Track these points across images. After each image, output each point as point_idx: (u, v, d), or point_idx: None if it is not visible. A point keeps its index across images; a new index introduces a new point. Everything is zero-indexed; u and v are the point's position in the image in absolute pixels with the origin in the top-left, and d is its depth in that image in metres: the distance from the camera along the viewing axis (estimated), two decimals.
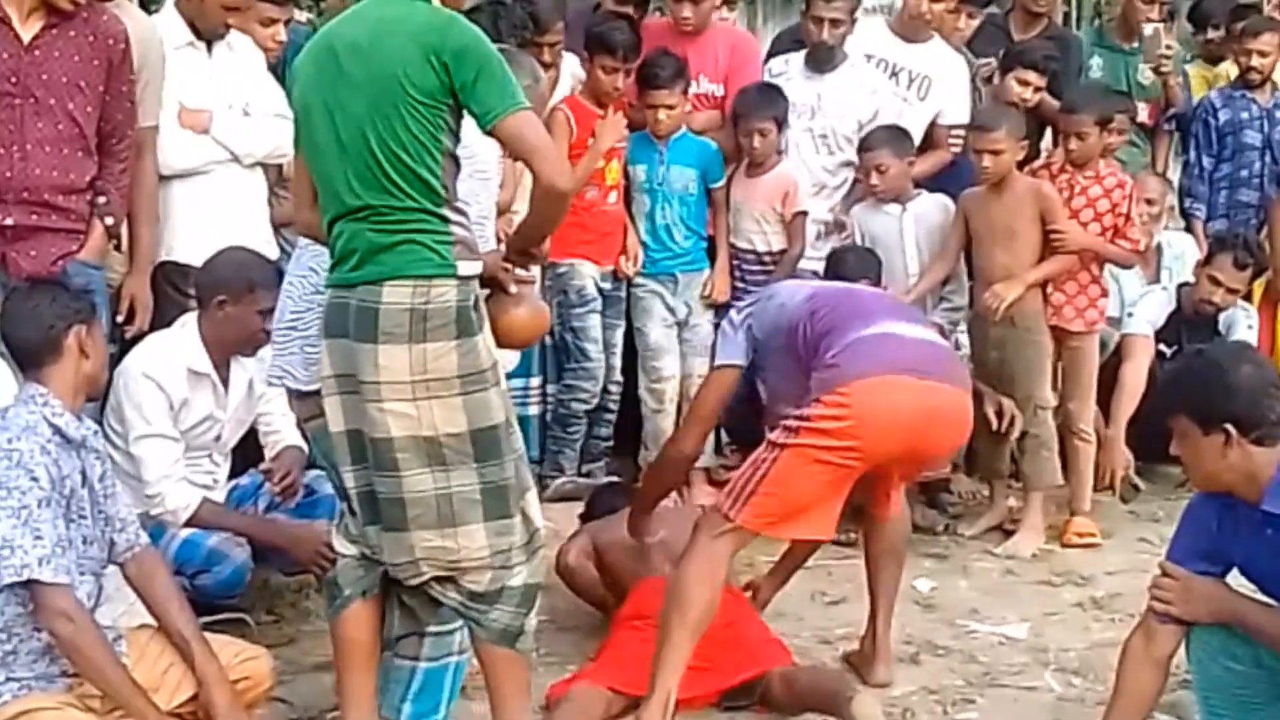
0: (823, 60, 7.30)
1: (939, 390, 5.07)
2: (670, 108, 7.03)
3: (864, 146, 7.15)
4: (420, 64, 4.26)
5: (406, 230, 4.31)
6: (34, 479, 4.25)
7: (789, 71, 7.39)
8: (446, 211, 4.39)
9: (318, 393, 4.55)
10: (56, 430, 4.39)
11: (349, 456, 4.50)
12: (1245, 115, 8.20)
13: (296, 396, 4.84)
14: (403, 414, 4.32)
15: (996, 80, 7.79)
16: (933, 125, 7.51)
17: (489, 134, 4.38)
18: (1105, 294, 7.08)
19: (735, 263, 7.28)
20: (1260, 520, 4.29)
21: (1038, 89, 7.62)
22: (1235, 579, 4.51)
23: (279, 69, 6.55)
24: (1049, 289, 6.94)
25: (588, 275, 7.14)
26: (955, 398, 5.17)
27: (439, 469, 4.37)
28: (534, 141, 4.36)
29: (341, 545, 4.65)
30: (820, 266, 7.11)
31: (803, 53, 7.39)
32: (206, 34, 6.11)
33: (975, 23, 8.17)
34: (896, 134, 7.20)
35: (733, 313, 5.53)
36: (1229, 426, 4.25)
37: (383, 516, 4.46)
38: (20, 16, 5.29)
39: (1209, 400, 4.30)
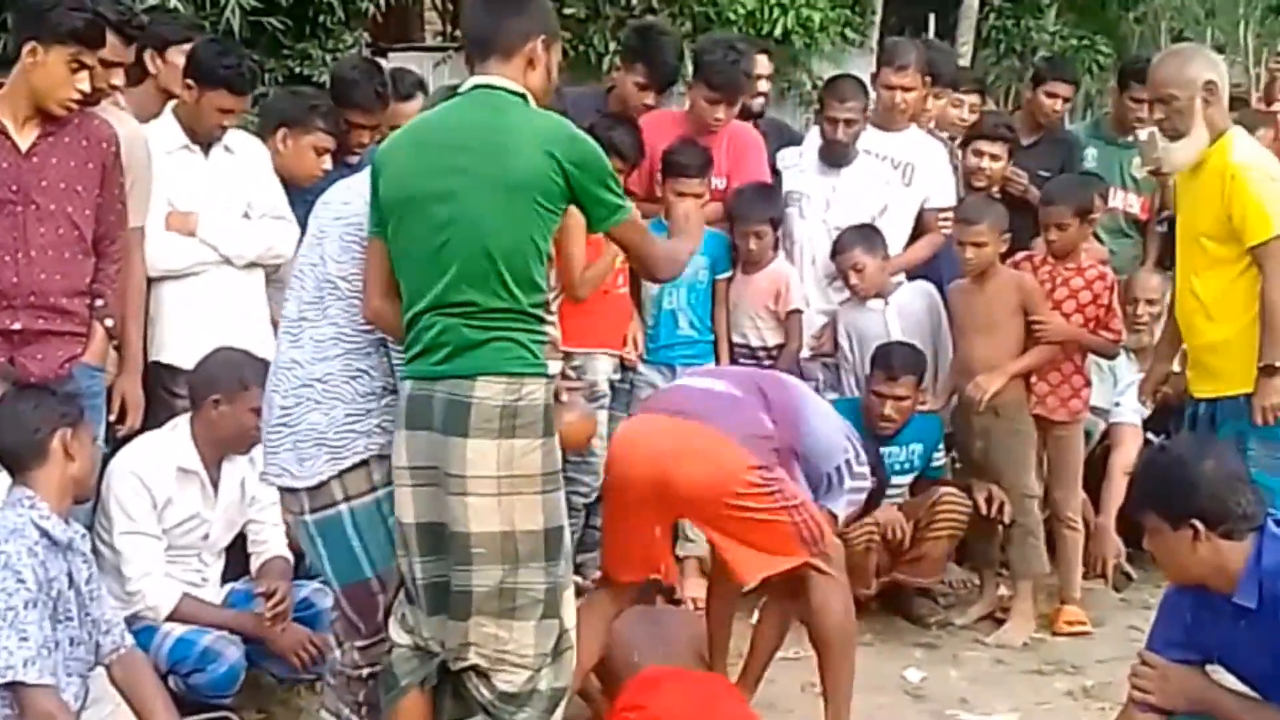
0: (838, 155, 7.43)
1: (680, 425, 5.25)
2: (697, 196, 7.04)
3: (837, 249, 7.24)
4: (546, 172, 4.45)
5: (504, 327, 4.46)
6: (20, 580, 4.33)
7: (802, 164, 7.53)
8: (544, 312, 4.56)
9: (318, 487, 4.68)
10: (44, 533, 4.47)
11: (420, 548, 4.58)
12: None
13: (288, 492, 4.83)
14: (485, 509, 4.43)
15: (960, 158, 7.93)
16: (921, 211, 7.61)
17: (603, 233, 4.72)
18: (1088, 383, 7.12)
19: (732, 357, 7.32)
20: (1233, 612, 4.33)
21: (995, 157, 7.72)
22: (1215, 668, 4.54)
23: None
24: (1033, 379, 6.98)
25: (601, 370, 7.12)
26: (696, 433, 5.23)
27: (509, 564, 4.48)
28: (644, 245, 4.86)
29: (397, 634, 4.72)
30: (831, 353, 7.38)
31: (815, 146, 7.53)
32: (203, 137, 6.19)
33: (941, 103, 8.34)
34: (867, 233, 7.29)
35: None
36: (1195, 522, 4.29)
37: (450, 606, 4.55)
38: (16, 125, 5.38)
39: (1174, 497, 4.35)
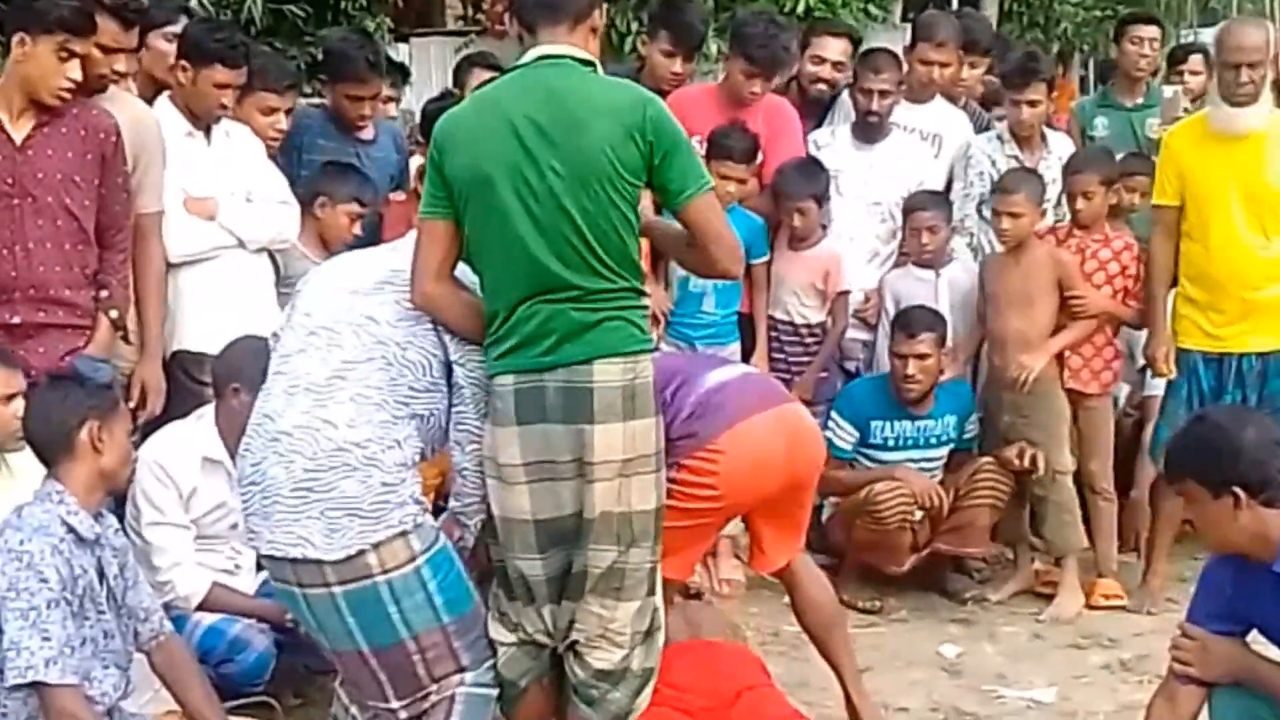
0: (872, 131, 7.40)
1: (787, 410, 5.00)
2: (742, 181, 7.02)
3: (913, 207, 7.21)
4: (626, 143, 4.31)
5: (614, 307, 4.36)
6: (43, 580, 4.29)
7: (835, 142, 7.47)
8: (642, 285, 4.47)
9: (347, 559, 4.36)
10: (70, 529, 4.43)
11: (539, 545, 4.47)
12: None
13: (296, 564, 4.44)
14: (609, 492, 4.37)
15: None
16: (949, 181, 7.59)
17: (676, 212, 4.48)
18: (1119, 355, 7.09)
19: (772, 333, 7.28)
20: (1274, 581, 4.29)
21: (1033, 103, 7.47)
22: (1257, 638, 4.50)
23: (284, 153, 6.68)
24: (1066, 353, 6.94)
25: None
26: (800, 411, 5.12)
27: (624, 545, 4.43)
28: (718, 226, 4.52)
29: (500, 634, 4.60)
30: (868, 335, 7.37)
31: (849, 124, 7.50)
32: (203, 118, 6.17)
33: (978, 72, 8.27)
34: (941, 198, 7.33)
35: None
36: (1237, 490, 4.25)
37: (568, 589, 4.50)
38: (11, 117, 5.35)
39: (1216, 465, 4.31)
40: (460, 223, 4.45)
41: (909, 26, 16.79)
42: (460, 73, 8.20)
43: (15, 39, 5.31)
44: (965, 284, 7.22)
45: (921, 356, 6.74)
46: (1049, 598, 6.90)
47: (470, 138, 4.42)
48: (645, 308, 4.49)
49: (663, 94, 7.00)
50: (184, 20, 6.49)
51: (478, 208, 4.39)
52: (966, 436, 7.05)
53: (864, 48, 7.97)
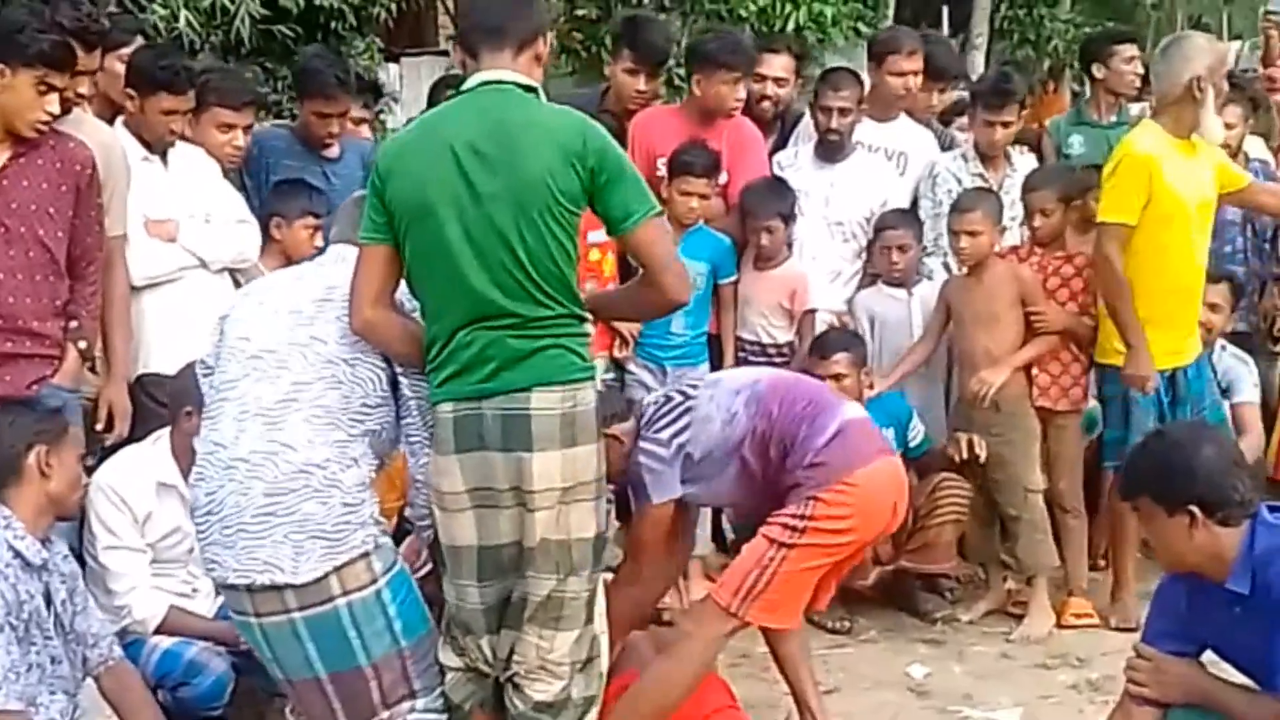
0: (834, 150, 7.38)
1: (895, 461, 5.17)
2: (704, 197, 7.02)
3: (883, 225, 7.21)
4: (564, 169, 4.30)
5: (553, 335, 4.34)
6: None
7: (798, 162, 7.45)
8: (583, 312, 4.45)
9: (311, 583, 4.38)
10: (17, 554, 4.44)
11: (478, 572, 4.47)
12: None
13: (261, 592, 4.45)
14: (548, 520, 4.35)
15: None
16: (915, 200, 7.59)
17: (620, 239, 4.48)
18: (1086, 371, 7.04)
19: (740, 353, 7.24)
20: (1226, 599, 4.28)
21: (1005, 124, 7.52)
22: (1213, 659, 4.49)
23: (243, 173, 6.69)
24: (1034, 371, 6.91)
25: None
26: (902, 468, 5.27)
27: (562, 573, 4.42)
28: (663, 251, 4.51)
29: (448, 658, 4.61)
30: None
31: (811, 143, 7.48)
32: (155, 145, 6.17)
33: (947, 97, 8.29)
34: (911, 216, 7.33)
35: (654, 446, 5.20)
36: (1193, 508, 4.24)
37: (506, 618, 4.50)
38: None
39: (1172, 482, 4.30)
40: (400, 248, 4.44)
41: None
42: (435, 94, 8.21)
43: None
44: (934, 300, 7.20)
45: (837, 377, 6.66)
46: (1021, 617, 6.85)
47: (411, 164, 4.42)
48: (586, 335, 4.48)
49: (629, 113, 7.05)
50: (139, 41, 6.48)
51: (417, 234, 4.39)
52: (914, 444, 7.01)
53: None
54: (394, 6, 14.27)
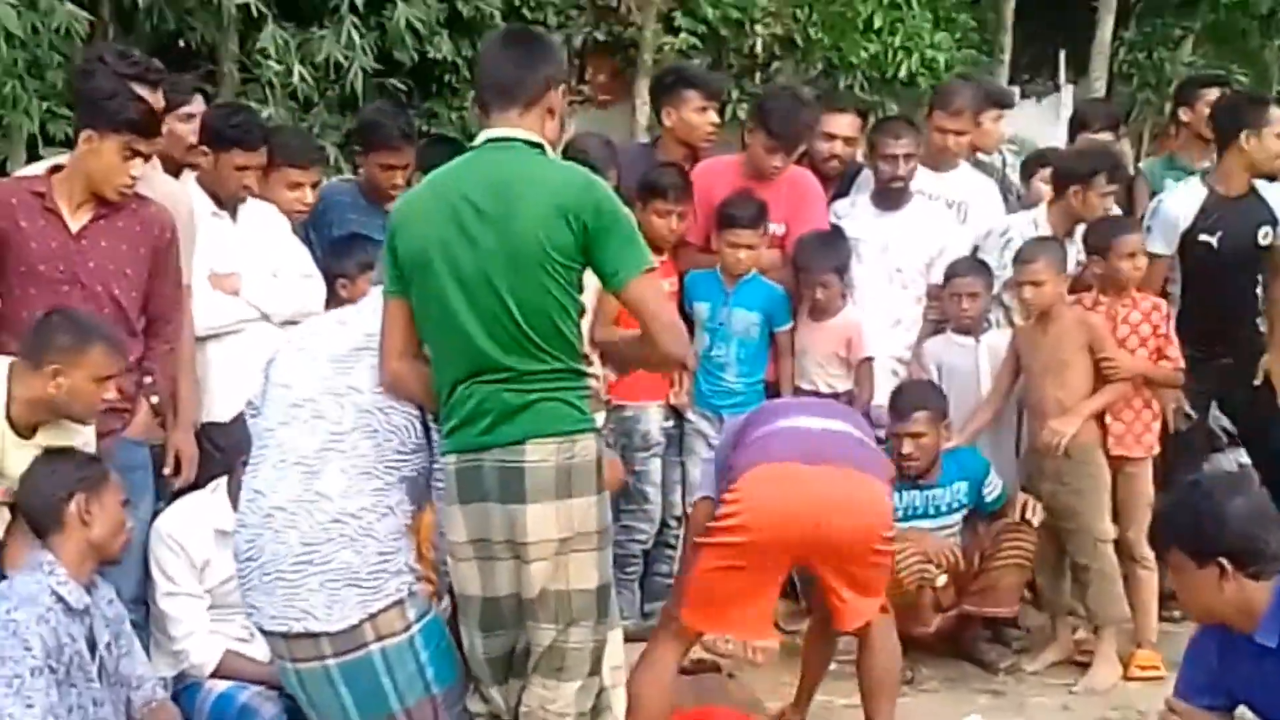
0: (893, 197, 7.42)
1: (828, 473, 5.12)
2: (751, 247, 7.10)
3: (953, 273, 7.22)
4: (559, 224, 4.35)
5: (548, 389, 4.39)
6: (28, 648, 4.44)
7: (855, 211, 7.49)
8: (581, 366, 4.49)
9: (346, 630, 4.46)
10: (59, 599, 4.59)
11: (482, 622, 4.54)
12: None
13: (297, 639, 4.55)
14: (545, 571, 4.39)
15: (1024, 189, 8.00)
16: (976, 249, 7.59)
17: (614, 294, 4.52)
18: (1158, 417, 7.02)
19: None
20: (1256, 652, 4.27)
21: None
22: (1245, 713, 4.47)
23: (315, 229, 6.81)
24: (1107, 419, 6.88)
25: (653, 420, 7.18)
26: (850, 480, 5.21)
27: (563, 623, 4.45)
28: (655, 308, 4.52)
29: (474, 704, 4.67)
30: None
31: (868, 192, 7.52)
32: (227, 201, 6.32)
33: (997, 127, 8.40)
34: (981, 265, 7.31)
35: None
36: (1223, 560, 4.22)
37: (513, 668, 4.56)
38: (70, 208, 5.52)
39: (1202, 534, 4.30)
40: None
41: (1015, 90, 16.90)
42: (423, 155, 8.06)
43: (83, 135, 5.49)
44: (1004, 349, 7.19)
45: (916, 435, 6.74)
46: (1088, 667, 6.81)
47: (417, 219, 4.53)
48: (584, 388, 4.51)
49: (678, 165, 7.15)
50: (198, 99, 6.65)
51: (420, 288, 4.49)
52: (989, 499, 7.01)
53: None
54: None
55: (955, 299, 7.19)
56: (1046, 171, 7.94)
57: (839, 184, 7.73)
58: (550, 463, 4.35)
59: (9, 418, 4.98)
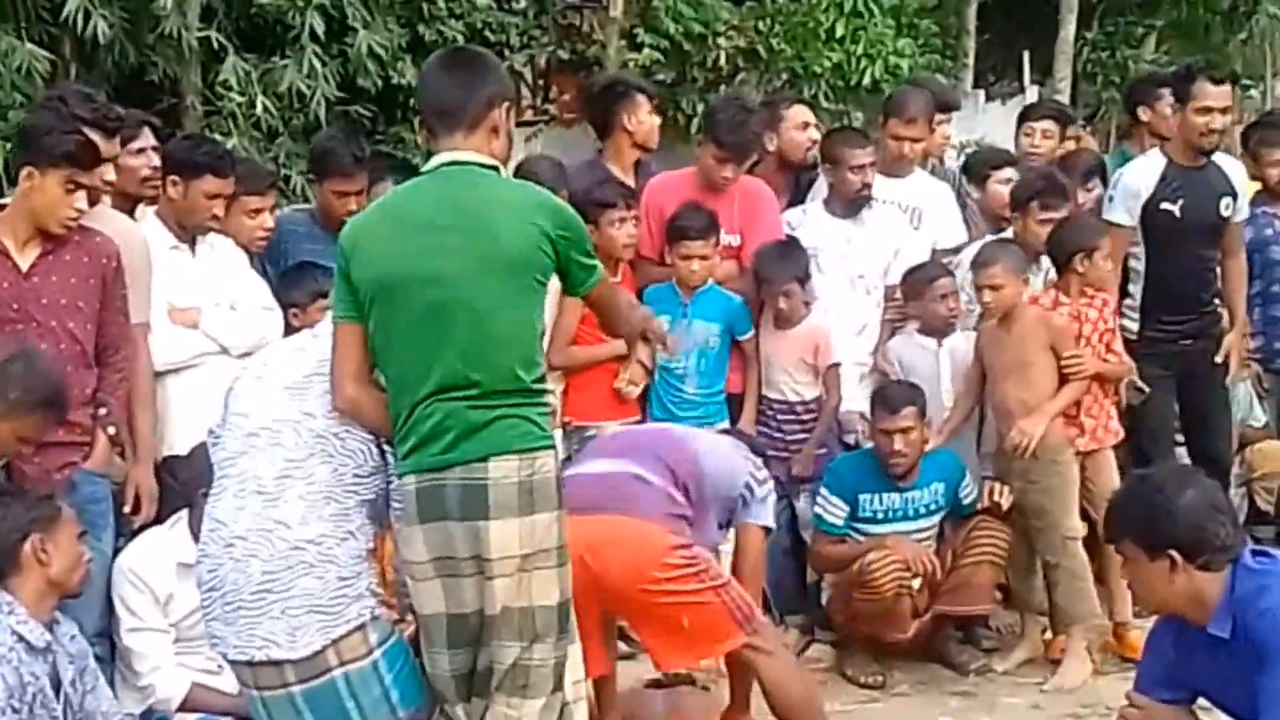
0: (850, 207, 7.45)
1: (590, 523, 5.10)
2: (704, 258, 7.13)
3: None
4: (537, 244, 4.43)
5: (509, 405, 4.42)
6: None
7: (809, 219, 7.55)
8: (543, 384, 4.54)
9: (310, 657, 4.49)
10: (20, 638, 4.60)
11: (448, 639, 4.55)
12: (1270, 232, 8.21)
13: (261, 667, 4.56)
14: (508, 588, 4.41)
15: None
16: (931, 253, 7.68)
17: (581, 297, 4.74)
18: (1116, 402, 7.14)
19: (768, 413, 7.32)
20: (1210, 643, 4.32)
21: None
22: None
23: (271, 261, 6.84)
24: (1082, 417, 6.98)
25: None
26: (608, 526, 5.26)
27: (526, 641, 4.47)
28: (612, 296, 4.94)
29: None
30: (866, 408, 7.22)
31: (820, 199, 7.58)
32: (192, 230, 6.34)
33: (948, 135, 8.55)
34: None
35: None
36: (1173, 552, 4.27)
37: (475, 687, 4.55)
38: (17, 246, 5.56)
39: (1152, 526, 4.36)
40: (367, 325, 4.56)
41: (980, 93, 16.96)
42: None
43: (24, 173, 5.54)
44: (966, 353, 7.23)
45: (905, 430, 6.77)
46: (1058, 664, 6.84)
47: (373, 242, 4.54)
48: (545, 405, 4.56)
49: (615, 178, 7.28)
50: (146, 133, 6.63)
51: (379, 310, 4.50)
52: (966, 501, 7.03)
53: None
54: None
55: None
56: (1003, 173, 7.99)
57: (794, 190, 7.82)
58: (513, 479, 4.39)
59: None
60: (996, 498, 6.86)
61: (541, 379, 4.57)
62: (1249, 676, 4.24)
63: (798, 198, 7.89)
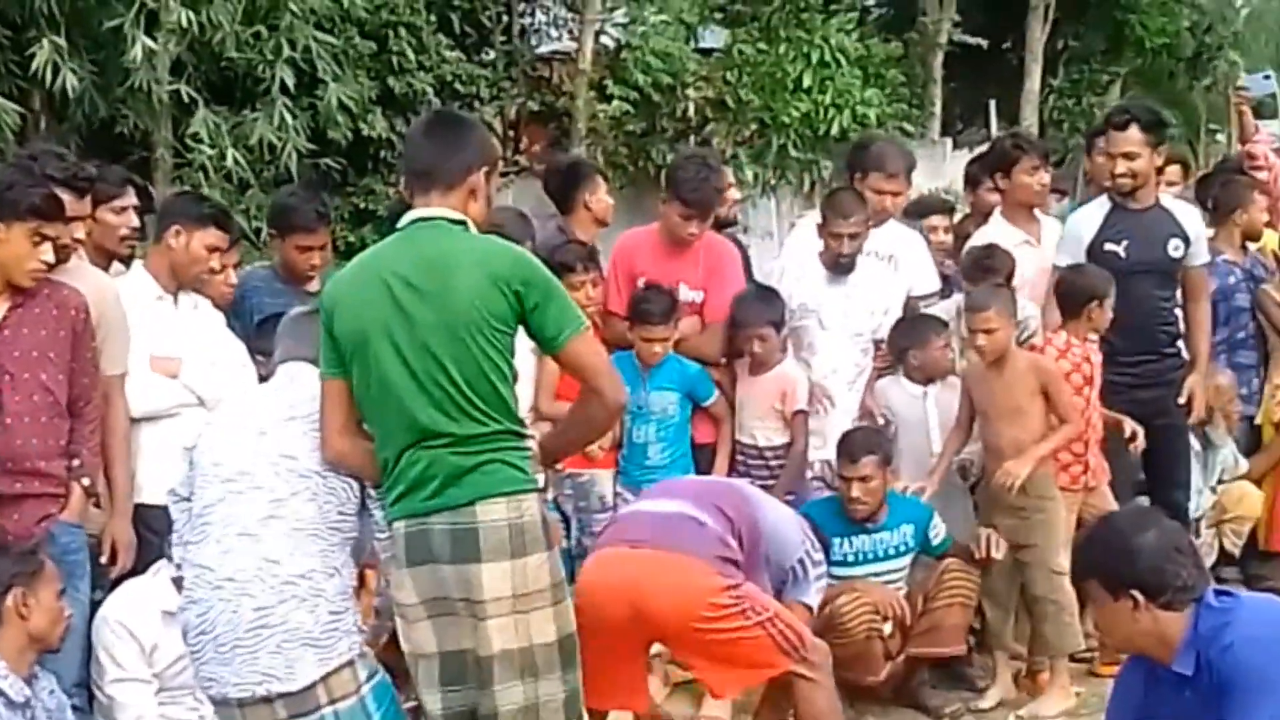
0: (844, 267, 7.53)
1: (644, 556, 5.31)
2: (664, 340, 7.21)
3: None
4: (492, 293, 4.51)
5: (489, 450, 4.52)
6: None
7: (806, 276, 7.59)
8: (521, 429, 4.63)
9: (299, 692, 4.57)
10: (0, 693, 4.62)
11: (440, 679, 4.63)
12: (1232, 280, 8.27)
13: (253, 704, 4.65)
14: (504, 629, 4.49)
15: None
16: (907, 299, 7.78)
17: (554, 356, 4.71)
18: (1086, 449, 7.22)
19: (740, 458, 7.37)
20: (1175, 681, 4.37)
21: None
22: None
23: (237, 316, 6.85)
24: (1090, 460, 7.15)
25: (606, 484, 7.26)
26: (661, 562, 5.34)
27: (529, 680, 4.55)
28: (595, 360, 4.74)
29: None
30: None
31: (816, 256, 7.62)
32: (188, 283, 6.42)
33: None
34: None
35: None
36: (1134, 592, 4.34)
37: None
38: None
39: (1114, 567, 4.43)
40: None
41: (948, 141, 17.11)
42: (397, 219, 8.37)
43: None
44: (954, 400, 7.30)
45: (864, 479, 6.81)
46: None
47: (351, 298, 4.67)
48: (526, 449, 4.65)
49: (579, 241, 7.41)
50: (130, 192, 6.71)
51: (359, 364, 4.62)
52: (936, 542, 7.06)
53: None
54: None
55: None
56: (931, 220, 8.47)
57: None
58: (502, 520, 4.49)
59: None
60: (993, 551, 6.90)
61: (520, 422, 4.65)
62: (1213, 714, 4.29)
63: None
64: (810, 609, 5.85)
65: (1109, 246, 7.53)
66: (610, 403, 4.79)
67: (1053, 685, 6.93)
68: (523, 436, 4.65)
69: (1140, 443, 7.42)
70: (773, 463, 7.32)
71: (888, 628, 6.82)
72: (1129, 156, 7.47)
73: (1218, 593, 4.46)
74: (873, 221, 7.68)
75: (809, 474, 7.43)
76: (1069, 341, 7.19)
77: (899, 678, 7.03)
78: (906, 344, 7.42)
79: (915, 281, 7.81)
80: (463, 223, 4.68)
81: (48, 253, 5.57)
